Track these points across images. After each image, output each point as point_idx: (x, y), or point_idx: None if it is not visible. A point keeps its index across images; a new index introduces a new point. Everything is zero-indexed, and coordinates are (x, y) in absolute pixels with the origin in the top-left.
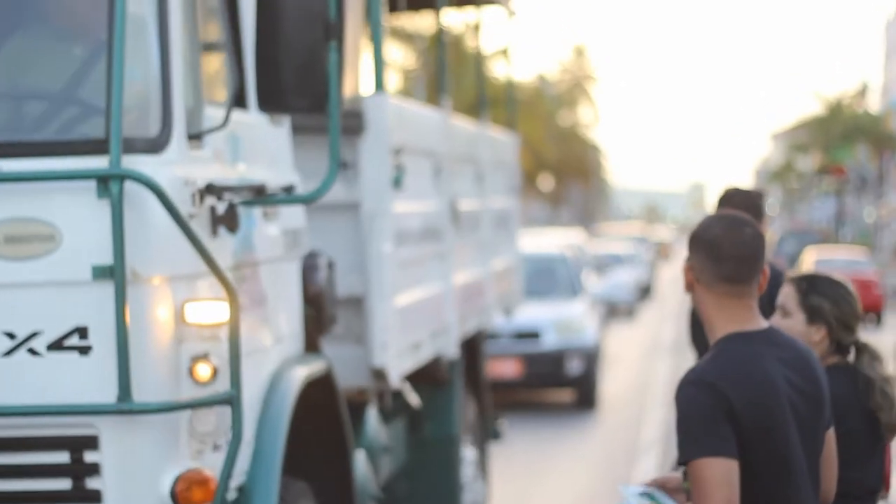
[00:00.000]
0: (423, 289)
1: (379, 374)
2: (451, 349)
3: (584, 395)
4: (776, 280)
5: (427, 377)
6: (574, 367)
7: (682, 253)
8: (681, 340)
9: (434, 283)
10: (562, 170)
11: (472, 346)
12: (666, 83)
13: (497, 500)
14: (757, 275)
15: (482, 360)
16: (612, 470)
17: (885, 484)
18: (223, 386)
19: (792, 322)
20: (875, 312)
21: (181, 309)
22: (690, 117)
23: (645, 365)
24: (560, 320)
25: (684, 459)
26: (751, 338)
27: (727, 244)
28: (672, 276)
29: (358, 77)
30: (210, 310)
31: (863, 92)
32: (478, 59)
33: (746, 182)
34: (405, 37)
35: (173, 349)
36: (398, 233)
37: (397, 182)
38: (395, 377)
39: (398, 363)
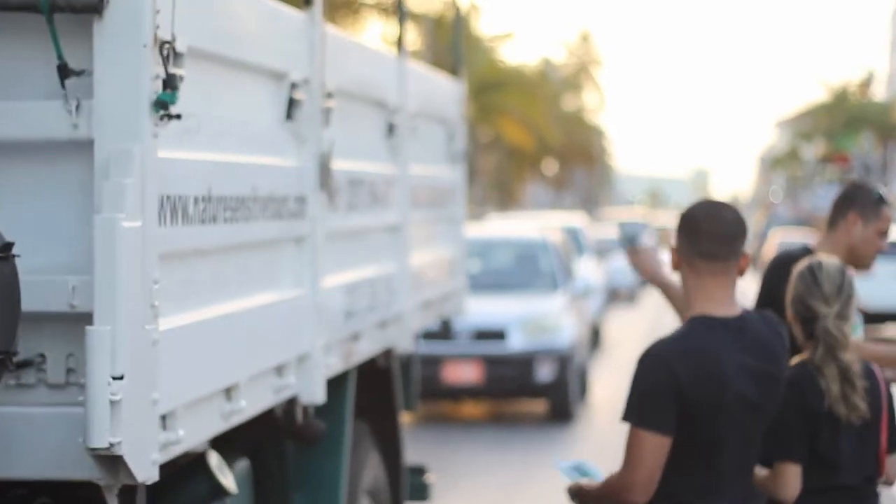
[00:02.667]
0: (249, 296)
1: (107, 461)
2: (314, 390)
3: (557, 406)
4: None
5: (283, 431)
6: (544, 372)
7: None
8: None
9: (279, 285)
10: (566, 154)
11: (378, 376)
12: (671, 69)
13: None
14: (734, 256)
15: (395, 394)
16: None
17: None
18: None
19: None
20: None
21: None
22: (695, 103)
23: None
24: (530, 318)
25: (626, 420)
26: (717, 325)
27: (705, 222)
28: None
29: None
30: None
31: (868, 80)
32: None
33: (750, 168)
34: (410, 17)
35: None
36: (164, 197)
37: (163, 104)
38: (144, 464)
39: (154, 436)
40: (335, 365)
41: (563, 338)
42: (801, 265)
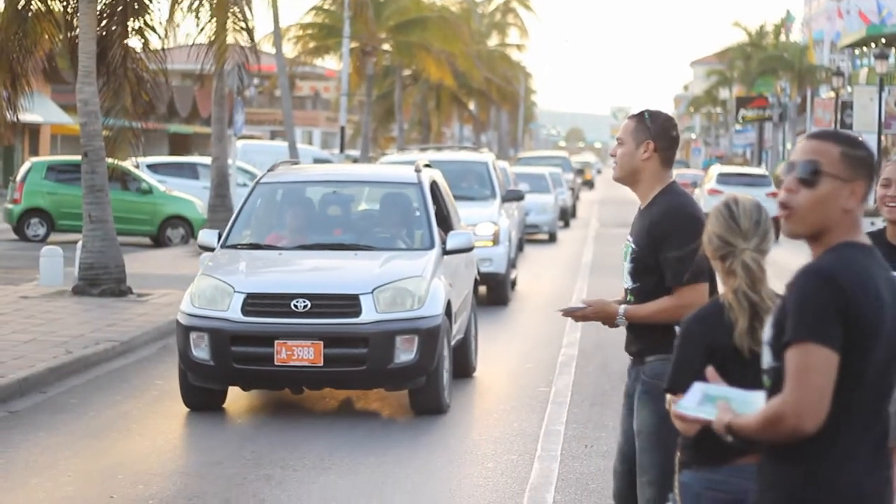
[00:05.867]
0: None
1: None
2: None
3: (420, 399)
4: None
5: None
6: (404, 355)
7: (605, 176)
8: (599, 262)
9: None
10: (489, 93)
11: None
12: (591, 5)
13: None
14: None
15: None
16: None
17: None
18: None
19: None
20: None
21: None
22: (615, 41)
23: (562, 291)
24: (389, 284)
25: (791, 339)
26: (865, 250)
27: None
28: (594, 198)
29: None
30: None
31: (786, 21)
32: None
33: (669, 107)
34: None
35: None
36: None
37: None
38: None
39: None
40: None
41: (430, 309)
42: (717, 203)
